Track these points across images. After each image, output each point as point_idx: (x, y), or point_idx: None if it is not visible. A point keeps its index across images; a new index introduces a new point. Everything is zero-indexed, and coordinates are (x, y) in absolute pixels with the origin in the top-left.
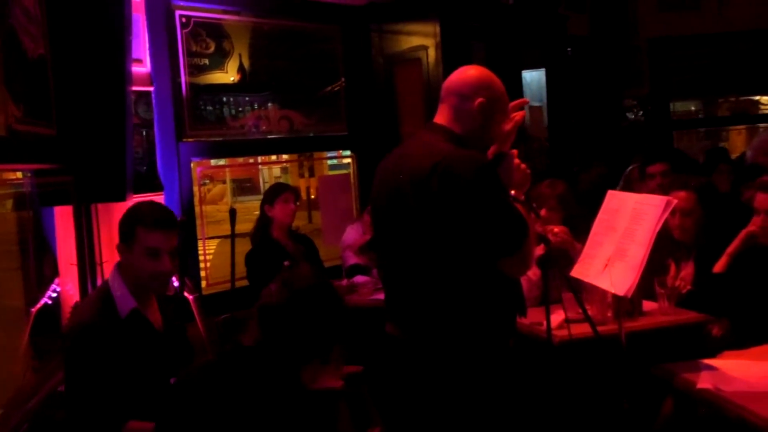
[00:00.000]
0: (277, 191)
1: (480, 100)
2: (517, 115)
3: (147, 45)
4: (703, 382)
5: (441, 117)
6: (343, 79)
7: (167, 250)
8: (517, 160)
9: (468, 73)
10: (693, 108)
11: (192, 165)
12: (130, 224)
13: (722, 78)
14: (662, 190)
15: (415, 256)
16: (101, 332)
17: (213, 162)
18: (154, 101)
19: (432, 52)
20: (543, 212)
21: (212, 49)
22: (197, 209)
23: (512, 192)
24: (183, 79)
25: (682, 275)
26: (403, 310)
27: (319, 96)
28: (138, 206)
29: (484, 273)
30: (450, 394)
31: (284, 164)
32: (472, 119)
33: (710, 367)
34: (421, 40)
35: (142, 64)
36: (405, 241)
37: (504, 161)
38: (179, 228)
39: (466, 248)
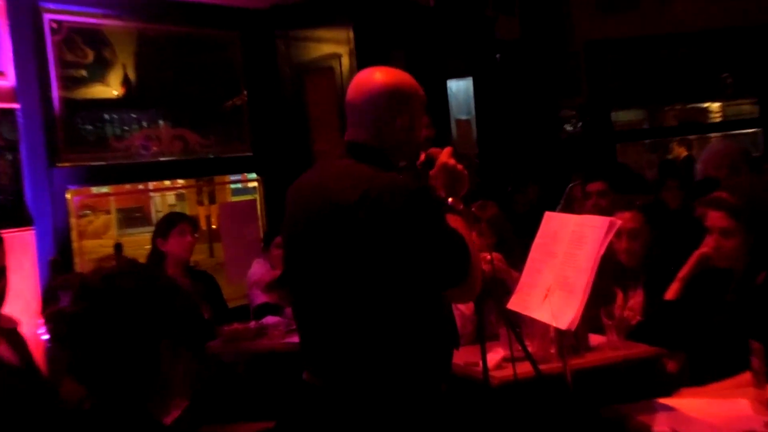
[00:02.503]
0: (172, 222)
1: (400, 120)
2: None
3: (10, 55)
4: (660, 424)
5: (358, 133)
6: (245, 92)
7: None
8: (450, 160)
9: (374, 85)
10: (636, 118)
11: (68, 194)
12: None
13: (667, 84)
14: (598, 211)
15: (337, 294)
16: None
17: (94, 190)
18: (20, 120)
19: (345, 61)
20: (474, 236)
21: (90, 58)
22: (75, 245)
23: (450, 200)
24: (55, 93)
25: (631, 304)
26: (323, 355)
27: (218, 112)
28: None
29: (416, 308)
30: None
31: (180, 190)
32: (394, 136)
33: (666, 408)
34: (333, 47)
35: (4, 78)
36: (325, 276)
37: (435, 163)
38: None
39: (401, 283)
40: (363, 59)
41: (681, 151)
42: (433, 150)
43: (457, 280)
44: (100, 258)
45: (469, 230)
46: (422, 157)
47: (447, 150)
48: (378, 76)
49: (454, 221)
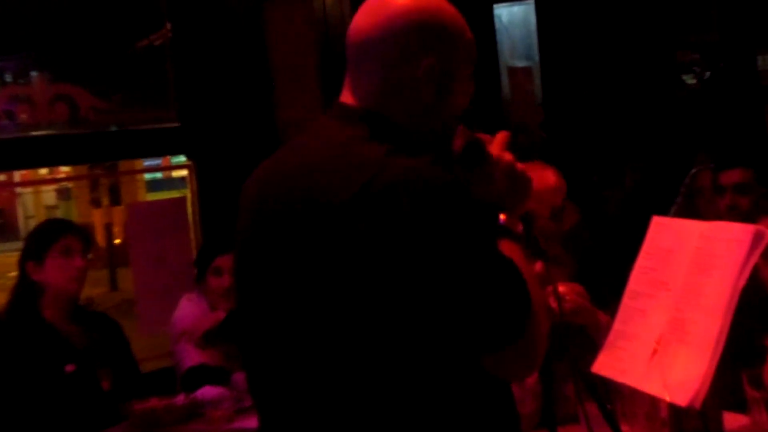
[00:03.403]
0: (51, 235)
1: (427, 60)
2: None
3: None
4: None
5: (356, 93)
6: (168, 26)
7: None
8: (507, 155)
9: (395, 12)
10: None
11: None
12: None
13: None
14: (738, 215)
15: (320, 350)
16: None
17: None
18: None
19: None
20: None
21: None
22: None
23: (502, 216)
24: None
25: None
26: None
27: (126, 58)
28: None
29: (447, 374)
30: None
31: (64, 184)
32: (417, 94)
33: None
34: None
35: None
36: (302, 321)
37: (482, 158)
38: None
39: (418, 336)
40: None
41: None
42: (480, 136)
43: (506, 338)
44: None
45: (528, 263)
46: (459, 141)
47: (500, 137)
48: (397, 2)
49: (508, 250)
